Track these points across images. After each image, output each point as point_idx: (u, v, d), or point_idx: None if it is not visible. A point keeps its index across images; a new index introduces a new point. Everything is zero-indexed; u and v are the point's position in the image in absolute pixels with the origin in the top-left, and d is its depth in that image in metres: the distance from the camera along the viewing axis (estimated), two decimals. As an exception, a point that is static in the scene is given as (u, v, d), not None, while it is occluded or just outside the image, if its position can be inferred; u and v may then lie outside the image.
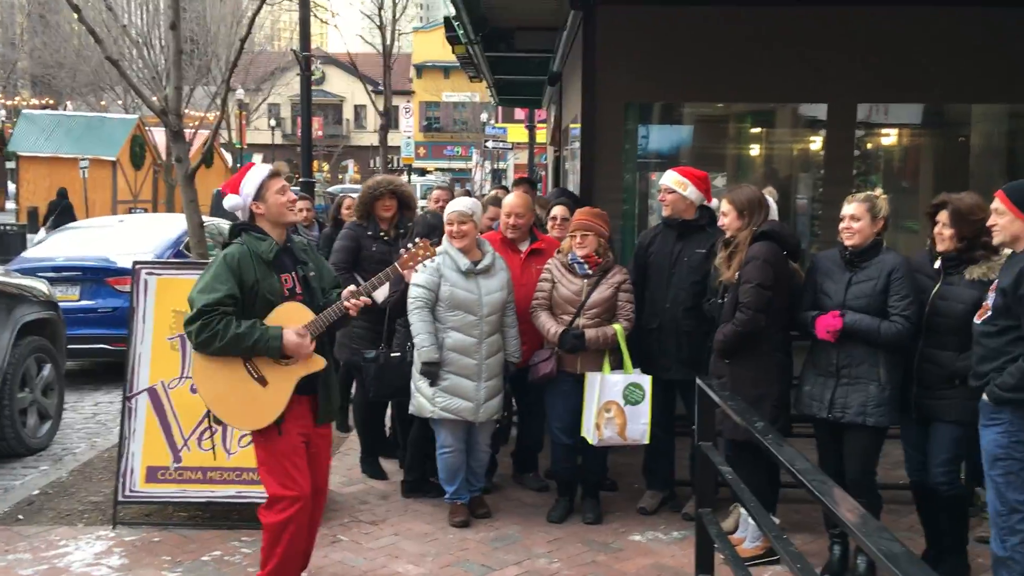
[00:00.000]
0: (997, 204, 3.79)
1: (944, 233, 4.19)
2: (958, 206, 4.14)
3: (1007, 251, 3.92)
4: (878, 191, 4.54)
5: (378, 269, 5.58)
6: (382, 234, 5.81)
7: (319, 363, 3.94)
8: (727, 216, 4.60)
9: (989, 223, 3.84)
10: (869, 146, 8.38)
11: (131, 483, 5.09)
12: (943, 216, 4.19)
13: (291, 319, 3.87)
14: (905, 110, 8.24)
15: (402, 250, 4.29)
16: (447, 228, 5.05)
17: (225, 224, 11.97)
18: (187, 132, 17.58)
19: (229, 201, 3.98)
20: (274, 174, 3.95)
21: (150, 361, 5.17)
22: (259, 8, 6.71)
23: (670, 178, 5.11)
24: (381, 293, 5.40)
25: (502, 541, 4.93)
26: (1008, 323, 3.71)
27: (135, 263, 5.32)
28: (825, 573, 4.49)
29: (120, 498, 5.09)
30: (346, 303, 3.92)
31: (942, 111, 8.22)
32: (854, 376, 4.32)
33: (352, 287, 4.04)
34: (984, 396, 3.77)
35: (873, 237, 4.36)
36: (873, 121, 8.10)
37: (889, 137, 8.60)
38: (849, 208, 4.39)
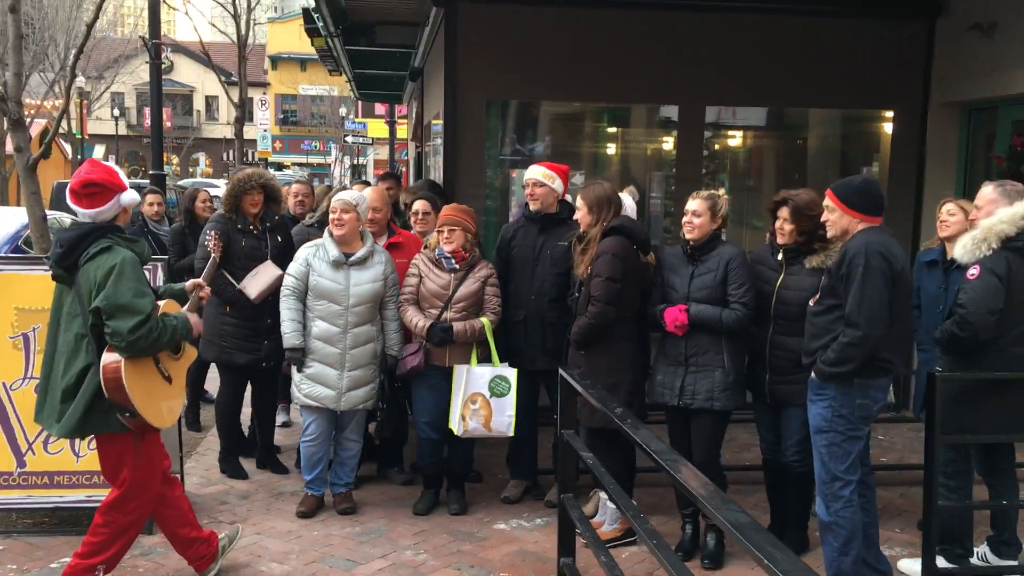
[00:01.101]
0: (827, 202, 4.10)
1: (785, 228, 4.48)
2: (797, 203, 4.43)
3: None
4: (721, 191, 4.79)
5: (247, 264, 5.56)
6: (251, 228, 5.69)
7: (194, 352, 4.23)
8: (580, 212, 4.78)
9: (823, 219, 4.15)
10: (717, 147, 8.82)
11: (-30, 491, 4.80)
12: (783, 212, 4.48)
13: (171, 308, 4.08)
14: (751, 113, 8.71)
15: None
16: (331, 217, 5.06)
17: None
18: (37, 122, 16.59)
19: (129, 197, 4.00)
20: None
21: (-10, 361, 4.89)
22: (105, -7, 6.41)
23: (537, 172, 5.24)
24: (254, 289, 5.33)
25: (368, 535, 4.94)
26: (833, 302, 4.01)
27: (-28, 258, 5.01)
28: (678, 551, 4.71)
29: (-42, 507, 4.80)
30: (201, 295, 4.33)
31: (783, 115, 8.74)
32: (701, 364, 4.56)
33: (196, 280, 4.40)
34: (812, 373, 4.06)
35: (711, 233, 4.62)
36: (722, 123, 8.53)
37: (735, 139, 9.06)
38: (692, 204, 4.64)
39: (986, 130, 7.39)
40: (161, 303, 4.01)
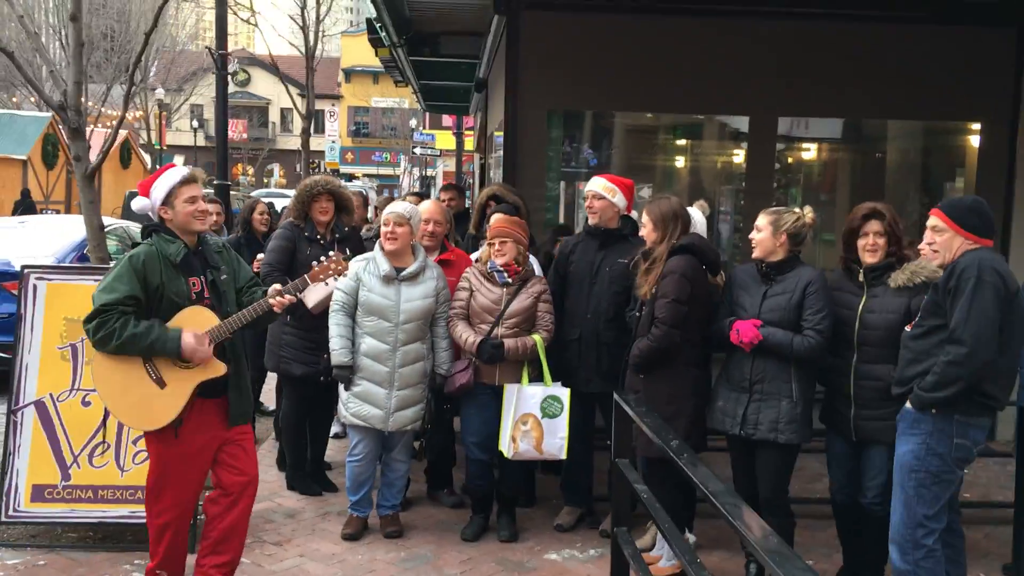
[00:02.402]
0: (935, 221, 3.76)
1: (878, 243, 4.13)
2: (891, 215, 4.13)
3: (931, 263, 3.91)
4: (807, 209, 4.47)
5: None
6: (319, 237, 5.56)
7: (219, 369, 3.86)
8: (645, 228, 4.52)
9: (927, 240, 3.81)
10: (790, 160, 8.46)
11: (15, 502, 4.76)
12: (875, 226, 4.13)
13: (194, 323, 3.80)
14: (825, 125, 8.33)
15: (314, 263, 4.17)
16: (383, 230, 4.89)
17: (135, 227, 11.53)
18: (103, 131, 16.94)
19: (138, 203, 3.92)
20: (187, 180, 3.86)
21: (38, 372, 4.85)
22: (165, 1, 6.39)
23: (598, 184, 5.00)
24: (312, 299, 5.16)
25: (412, 561, 4.74)
26: (935, 322, 3.66)
27: (23, 267, 4.99)
28: (741, 592, 4.41)
29: (3, 518, 4.76)
30: (272, 300, 3.90)
31: (860, 127, 8.34)
32: (766, 392, 4.25)
33: (278, 285, 3.99)
34: (907, 404, 3.72)
35: (780, 250, 4.31)
36: (794, 135, 8.18)
37: (809, 151, 8.69)
38: (758, 220, 4.37)
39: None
40: (187, 310, 3.76)
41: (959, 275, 3.59)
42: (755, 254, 4.31)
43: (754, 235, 4.32)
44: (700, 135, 8.62)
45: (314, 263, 4.16)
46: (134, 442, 4.83)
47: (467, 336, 4.85)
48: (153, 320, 3.72)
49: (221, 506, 3.95)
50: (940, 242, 3.76)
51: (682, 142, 8.60)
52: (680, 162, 8.67)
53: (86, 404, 4.85)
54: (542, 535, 5.14)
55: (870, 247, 4.15)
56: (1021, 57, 6.99)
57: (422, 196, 6.88)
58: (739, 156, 8.37)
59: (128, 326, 3.65)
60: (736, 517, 2.38)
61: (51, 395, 4.83)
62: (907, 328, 3.88)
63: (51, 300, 4.89)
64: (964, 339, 3.53)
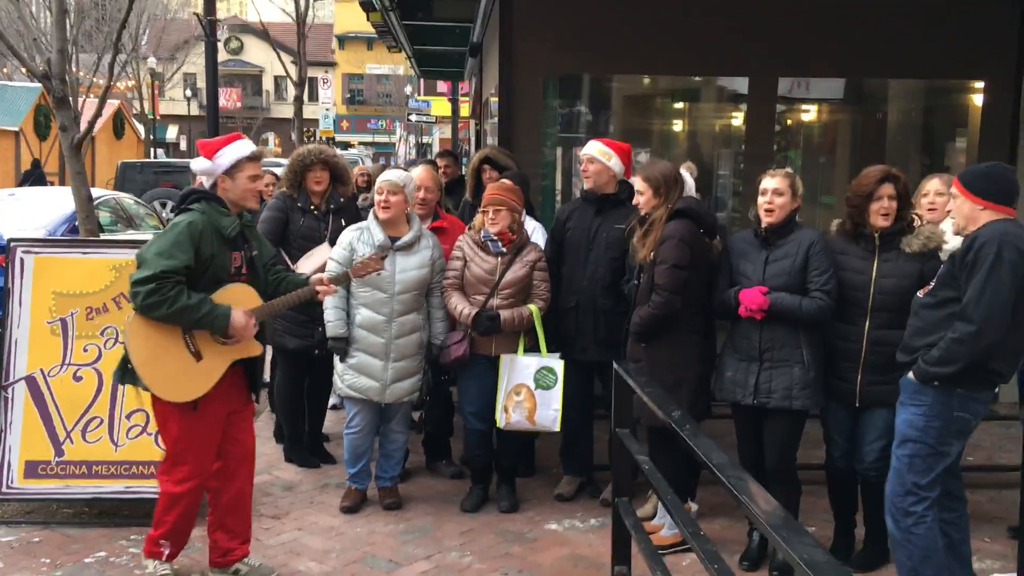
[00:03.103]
0: (952, 189, 3.67)
1: (892, 207, 4.02)
2: (904, 179, 4.03)
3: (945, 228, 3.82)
4: (788, 170, 4.37)
5: (305, 245, 5.34)
6: (312, 208, 5.46)
7: (256, 349, 3.90)
8: (643, 194, 4.40)
9: (947, 208, 3.71)
10: (789, 122, 8.33)
11: (8, 479, 4.70)
12: (888, 189, 4.01)
13: (240, 300, 3.80)
14: (825, 85, 8.19)
15: (356, 260, 4.32)
16: (376, 198, 4.80)
17: (128, 199, 11.41)
18: (95, 101, 16.78)
19: (198, 164, 3.85)
20: (254, 157, 3.85)
21: (28, 347, 4.76)
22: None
23: (593, 148, 4.88)
24: (308, 269, 5.10)
25: (412, 533, 4.69)
26: (950, 294, 3.56)
27: (10, 240, 4.89)
28: (744, 561, 4.36)
29: (-4, 496, 4.70)
30: (319, 288, 3.93)
31: (861, 86, 8.19)
32: (778, 359, 4.16)
33: (323, 274, 4.03)
34: (910, 373, 3.64)
35: (788, 214, 4.21)
36: (794, 96, 8.03)
37: (809, 113, 8.55)
38: (771, 182, 4.21)
39: (1087, 102, 6.78)
40: (232, 286, 3.75)
41: (978, 249, 3.46)
42: (771, 218, 4.17)
43: (772, 198, 4.16)
44: (698, 98, 8.47)
45: (356, 259, 4.32)
46: (127, 416, 4.77)
47: (462, 308, 4.77)
48: (204, 294, 3.66)
49: (220, 480, 3.94)
50: (955, 207, 3.66)
51: (680, 105, 8.45)
52: (678, 126, 8.54)
53: (77, 379, 4.77)
54: (542, 505, 5.10)
55: (884, 211, 4.03)
56: (1025, 13, 6.84)
57: (452, 156, 6.83)
58: (738, 119, 8.24)
59: (182, 297, 3.59)
60: (741, 491, 2.31)
61: (41, 371, 4.75)
62: (919, 294, 3.78)
63: (39, 274, 4.79)
64: (973, 318, 3.43)
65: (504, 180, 5.02)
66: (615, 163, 4.84)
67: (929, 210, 4.54)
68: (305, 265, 5.18)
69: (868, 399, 4.08)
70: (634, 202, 4.46)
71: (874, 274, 4.05)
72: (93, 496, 4.77)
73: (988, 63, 6.98)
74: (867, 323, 4.05)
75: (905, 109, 8.55)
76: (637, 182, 4.42)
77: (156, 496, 4.78)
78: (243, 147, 3.83)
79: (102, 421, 4.77)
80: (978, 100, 7.44)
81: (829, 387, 4.20)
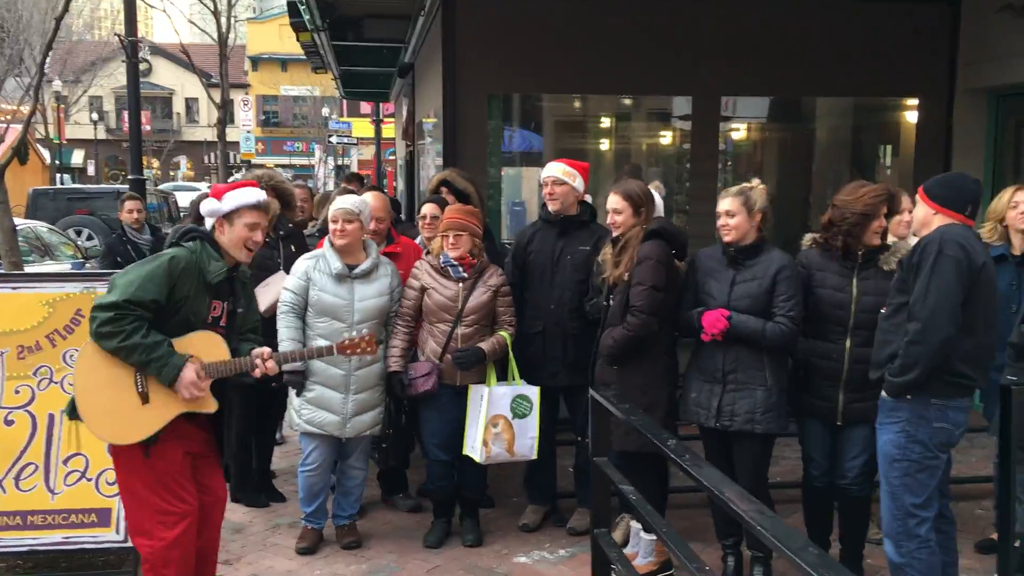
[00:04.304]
0: (917, 198, 3.69)
1: (902, 223, 4.00)
2: (898, 196, 4.04)
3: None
4: (755, 182, 4.32)
5: (257, 274, 5.05)
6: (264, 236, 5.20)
7: (211, 406, 3.58)
8: (621, 213, 4.30)
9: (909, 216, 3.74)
10: (720, 141, 8.41)
11: (-67, 535, 4.32)
12: (884, 208, 3.98)
13: (204, 349, 3.51)
14: (752, 103, 8.30)
15: (345, 335, 4.00)
16: (331, 226, 4.59)
17: (43, 227, 10.87)
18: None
19: (207, 205, 3.64)
20: (259, 206, 3.62)
21: (-47, 390, 4.40)
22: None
23: (557, 169, 4.75)
24: (264, 301, 4.84)
25: (376, 573, 4.48)
26: (901, 300, 3.56)
27: (-70, 276, 4.52)
28: (722, 585, 4.29)
29: (-81, 553, 4.31)
30: (257, 361, 3.57)
31: (788, 104, 8.33)
32: (741, 381, 4.10)
33: (267, 349, 3.63)
34: (883, 392, 3.62)
35: (753, 232, 4.17)
36: (724, 114, 8.11)
37: (739, 131, 8.66)
38: (723, 204, 4.16)
39: (1016, 117, 7.01)
40: (203, 333, 3.49)
41: (921, 250, 3.50)
42: (729, 238, 4.12)
43: (725, 220, 4.12)
44: (634, 117, 8.49)
45: (345, 335, 4.01)
46: (64, 462, 4.43)
47: (431, 346, 4.61)
48: (165, 338, 3.41)
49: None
50: (915, 214, 3.68)
51: (621, 123, 8.45)
52: (620, 144, 8.53)
53: (9, 423, 4.41)
54: (507, 537, 4.94)
55: (879, 229, 4.02)
56: (955, 31, 7.04)
57: (359, 180, 6.62)
58: (667, 138, 8.29)
59: (137, 333, 3.35)
60: (766, 527, 2.20)
61: (-32, 415, 4.40)
62: (882, 310, 3.79)
63: (-37, 312, 4.44)
64: (920, 316, 3.43)
65: (464, 205, 4.88)
66: (579, 183, 4.74)
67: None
68: (263, 295, 4.93)
69: (850, 417, 4.05)
70: (609, 221, 4.36)
71: (855, 292, 4.02)
72: (29, 549, 4.39)
73: (920, 81, 7.16)
74: (848, 341, 4.02)
75: (833, 126, 8.72)
76: (616, 200, 4.31)
77: (97, 547, 4.54)
78: (251, 194, 3.61)
79: (37, 468, 4.42)
80: (909, 116, 7.63)
81: (807, 406, 4.16)
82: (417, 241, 5.31)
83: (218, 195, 3.63)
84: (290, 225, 5.37)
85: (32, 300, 4.48)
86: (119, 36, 9.84)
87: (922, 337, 3.42)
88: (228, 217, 3.57)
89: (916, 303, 3.46)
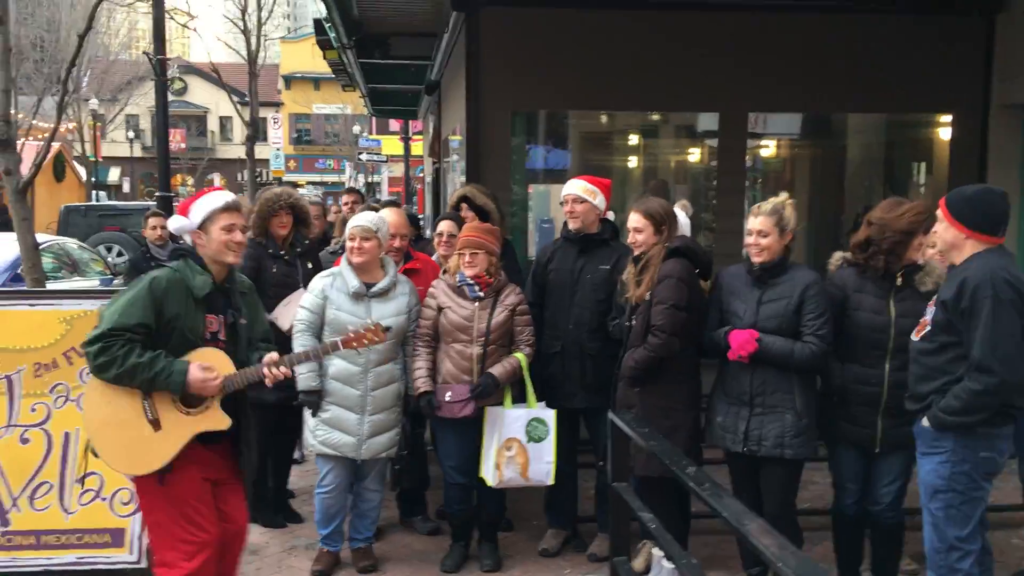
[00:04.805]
0: (939, 213, 3.54)
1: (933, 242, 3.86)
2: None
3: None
4: (784, 196, 4.20)
5: (278, 292, 5.04)
6: (282, 253, 5.20)
7: (222, 422, 3.50)
8: (642, 232, 4.21)
9: (932, 230, 3.59)
10: (747, 157, 8.28)
11: (-53, 554, 4.30)
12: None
13: (206, 357, 3.45)
14: (784, 120, 8.17)
15: (351, 329, 3.80)
16: (348, 244, 4.53)
17: (72, 243, 10.96)
18: (35, 144, 16.20)
19: (175, 223, 3.60)
20: (229, 207, 3.54)
21: (-32, 408, 4.39)
22: (98, 3, 5.94)
23: (578, 187, 4.66)
24: (286, 320, 4.80)
25: (391, 598, 4.40)
26: (948, 339, 3.42)
27: (-51, 293, 4.53)
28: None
29: (-66, 572, 4.30)
30: (265, 371, 3.48)
31: (822, 121, 8.19)
32: (768, 405, 3.97)
33: (275, 355, 3.55)
34: (924, 421, 3.47)
35: (781, 251, 4.05)
36: (755, 131, 7.99)
37: (768, 148, 8.53)
38: (755, 222, 4.03)
39: (1053, 134, 6.82)
40: (204, 350, 3.43)
41: (971, 295, 3.33)
42: (759, 259, 4.00)
43: (757, 240, 3.99)
44: (662, 134, 8.40)
45: (349, 327, 3.85)
46: (80, 481, 4.41)
47: (446, 363, 4.54)
48: (159, 351, 3.36)
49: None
50: (939, 233, 3.52)
51: (647, 140, 8.37)
52: (647, 161, 8.43)
53: (24, 441, 4.41)
54: (527, 562, 4.83)
55: (918, 247, 3.89)
56: (990, 47, 6.88)
57: (358, 193, 6.65)
58: (695, 155, 8.18)
59: (131, 355, 3.31)
60: (789, 564, 2.09)
61: (-16, 433, 4.38)
62: (914, 337, 3.63)
63: (-19, 329, 4.44)
64: (994, 368, 3.29)
65: (481, 222, 4.81)
66: (600, 201, 4.65)
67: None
68: (283, 313, 4.90)
69: (887, 443, 3.91)
70: (630, 240, 4.26)
71: (893, 314, 3.89)
72: (43, 569, 4.37)
73: (954, 97, 7.00)
74: (887, 365, 3.88)
75: (865, 143, 8.57)
76: (636, 218, 4.22)
77: (111, 567, 4.49)
78: (215, 199, 3.56)
79: (52, 487, 4.40)
80: (942, 133, 7.46)
81: (843, 432, 4.02)
82: (434, 258, 5.25)
83: (184, 211, 3.58)
84: (306, 242, 5.33)
85: (49, 317, 4.48)
86: (147, 55, 9.94)
87: (1000, 388, 3.31)
88: (203, 228, 3.50)
89: (985, 357, 3.30)
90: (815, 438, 4.01)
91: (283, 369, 3.50)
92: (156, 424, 3.42)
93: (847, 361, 3.97)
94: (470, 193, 5.28)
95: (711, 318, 4.16)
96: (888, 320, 3.88)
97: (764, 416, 3.97)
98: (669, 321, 4.04)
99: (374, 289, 4.50)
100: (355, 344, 3.72)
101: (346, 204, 7.04)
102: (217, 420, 3.49)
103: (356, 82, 13.08)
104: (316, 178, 49.68)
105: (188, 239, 3.56)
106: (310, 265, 5.19)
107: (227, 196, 3.60)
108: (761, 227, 4.00)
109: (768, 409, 3.97)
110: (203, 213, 3.51)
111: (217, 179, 50.29)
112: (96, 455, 3.49)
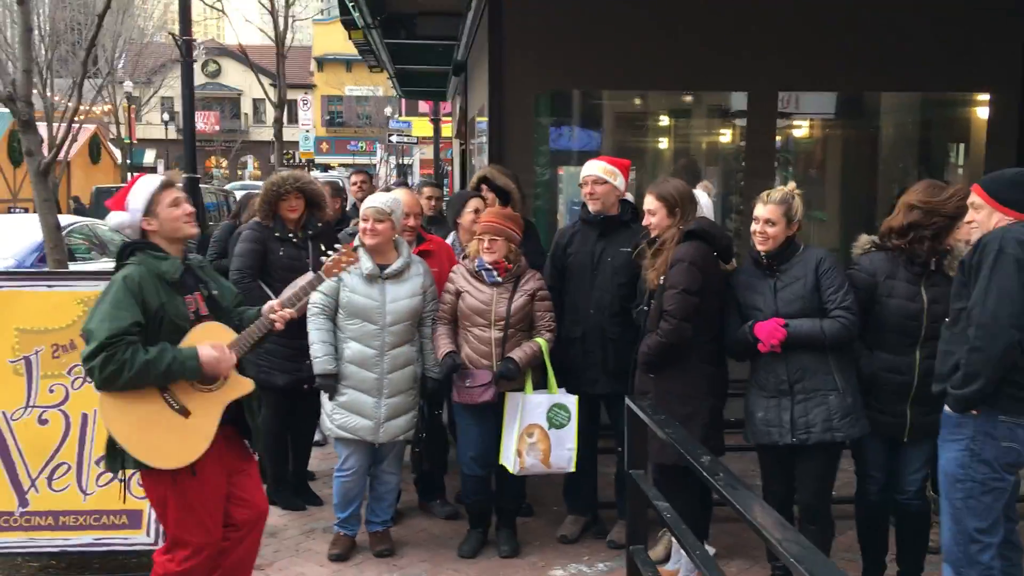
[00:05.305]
0: (974, 198, 3.39)
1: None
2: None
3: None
4: (791, 186, 4.08)
5: (285, 276, 4.97)
6: (290, 236, 5.14)
7: (247, 385, 3.53)
8: (655, 214, 4.10)
9: (967, 219, 3.44)
10: (779, 137, 8.11)
11: (-32, 533, 4.33)
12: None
13: (210, 340, 3.39)
14: (816, 99, 7.98)
15: (323, 257, 3.78)
16: (361, 224, 4.47)
17: (101, 225, 11.02)
18: (74, 127, 16.32)
19: (114, 219, 3.49)
20: (166, 185, 3.47)
21: (-12, 389, 4.41)
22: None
23: (597, 167, 4.56)
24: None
25: (407, 583, 4.37)
26: (963, 305, 3.28)
27: (-32, 274, 4.54)
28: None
29: (-45, 551, 4.33)
30: (272, 317, 3.48)
31: (854, 100, 7.99)
32: (809, 390, 3.84)
33: (272, 302, 3.54)
34: (946, 407, 3.36)
35: (786, 239, 3.94)
36: (786, 111, 7.82)
37: (800, 128, 8.35)
38: (763, 210, 3.91)
39: (1096, 112, 6.60)
40: (199, 327, 3.39)
41: (981, 251, 3.22)
42: (764, 248, 3.90)
43: (763, 228, 3.89)
44: (693, 114, 8.24)
45: (323, 259, 3.77)
46: (98, 462, 4.41)
47: (465, 348, 4.49)
48: (163, 344, 3.30)
49: (229, 541, 3.54)
50: (979, 219, 3.38)
51: (673, 121, 8.22)
52: (673, 142, 8.29)
53: (43, 422, 4.42)
54: (545, 548, 4.78)
55: (958, 234, 3.75)
56: (1030, 22, 6.65)
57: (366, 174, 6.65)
58: (726, 135, 8.02)
59: (139, 356, 3.23)
60: (799, 559, 2.00)
61: (3, 413, 4.39)
62: (947, 320, 3.52)
63: (0, 309, 4.45)
64: (981, 320, 3.16)
65: (502, 208, 4.72)
66: (620, 182, 4.55)
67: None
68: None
69: (916, 432, 3.81)
70: (645, 222, 4.16)
71: (926, 300, 3.77)
72: (60, 549, 4.39)
73: (993, 75, 6.78)
74: (918, 354, 3.77)
75: (899, 123, 8.35)
76: (650, 201, 4.11)
77: (128, 548, 4.50)
78: (150, 182, 3.48)
79: (70, 467, 4.41)
80: (980, 112, 7.25)
81: (870, 421, 3.90)
82: (449, 241, 5.18)
83: (119, 205, 3.47)
84: (319, 225, 5.27)
85: (67, 298, 4.48)
86: (173, 35, 9.92)
87: (983, 343, 3.16)
88: (150, 213, 3.41)
89: (975, 306, 3.20)
90: (863, 416, 3.87)
91: (287, 311, 3.50)
92: (184, 412, 3.39)
93: (876, 348, 3.85)
94: (490, 174, 5.20)
95: (731, 321, 4.05)
96: (921, 307, 3.77)
97: (807, 402, 3.84)
98: (680, 306, 3.93)
99: (388, 271, 4.44)
100: (335, 270, 3.72)
101: (355, 185, 6.99)
102: (240, 385, 3.50)
103: (383, 63, 13.00)
104: (348, 159, 49.77)
105: (131, 233, 3.46)
106: (323, 247, 5.13)
107: (159, 177, 3.55)
108: (769, 215, 3.90)
109: (810, 394, 3.84)
110: (144, 199, 3.41)
111: (251, 161, 50.67)
112: (145, 466, 3.39)
